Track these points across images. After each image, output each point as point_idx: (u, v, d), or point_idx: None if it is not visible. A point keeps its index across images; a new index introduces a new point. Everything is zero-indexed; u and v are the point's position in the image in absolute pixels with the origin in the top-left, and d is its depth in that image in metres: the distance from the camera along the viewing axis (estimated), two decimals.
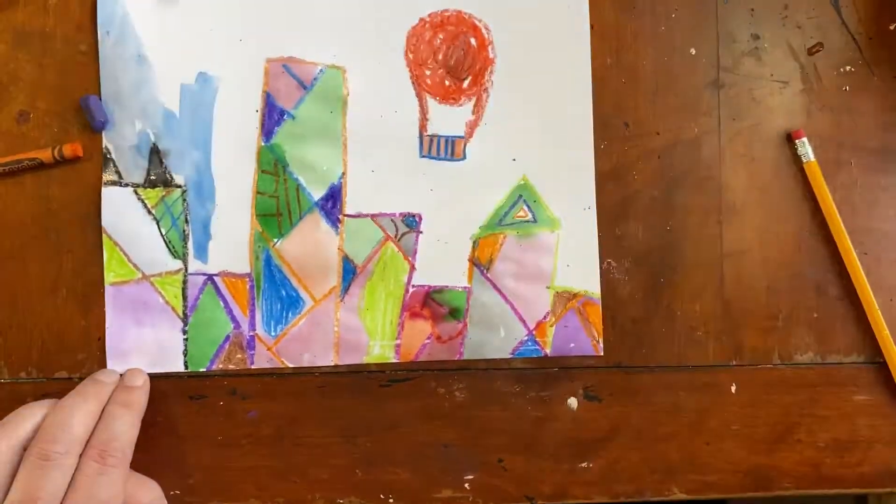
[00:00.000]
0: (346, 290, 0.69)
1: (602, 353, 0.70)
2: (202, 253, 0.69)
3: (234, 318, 0.69)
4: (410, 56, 0.69)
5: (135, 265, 0.68)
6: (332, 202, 0.69)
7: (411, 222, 0.69)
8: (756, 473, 0.71)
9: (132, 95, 0.69)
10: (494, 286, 0.69)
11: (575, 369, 0.70)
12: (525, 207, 0.69)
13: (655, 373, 0.70)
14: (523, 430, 0.70)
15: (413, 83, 0.69)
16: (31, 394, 0.68)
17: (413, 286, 0.69)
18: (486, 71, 0.69)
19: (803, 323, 0.71)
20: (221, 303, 0.69)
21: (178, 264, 0.69)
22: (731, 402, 0.71)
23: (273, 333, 0.69)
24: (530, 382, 0.70)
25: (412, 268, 0.69)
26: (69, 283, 0.68)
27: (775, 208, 0.71)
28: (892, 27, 0.72)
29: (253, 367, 0.69)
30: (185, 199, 0.69)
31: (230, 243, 0.69)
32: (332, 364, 0.69)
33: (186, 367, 0.69)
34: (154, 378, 0.68)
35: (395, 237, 0.69)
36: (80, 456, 0.61)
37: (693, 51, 0.71)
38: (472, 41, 0.69)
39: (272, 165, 0.69)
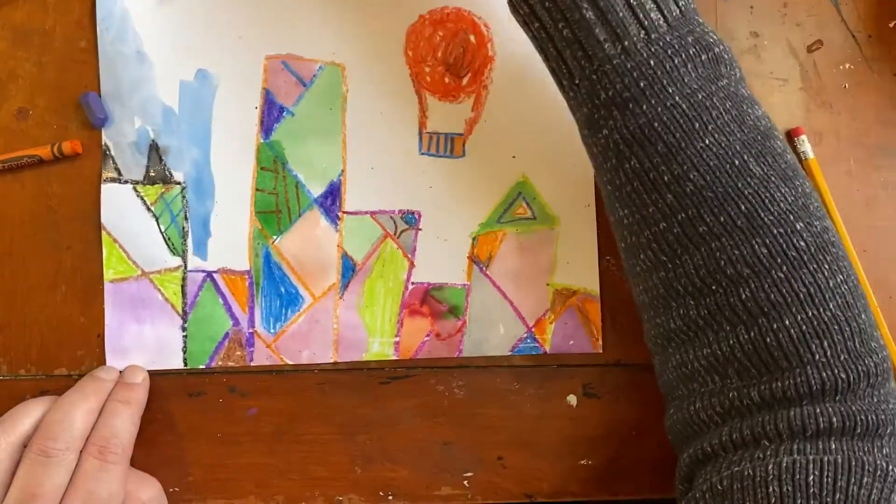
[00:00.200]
0: (345, 287, 0.69)
1: (601, 351, 0.70)
2: (201, 250, 0.69)
3: (233, 316, 0.69)
4: (410, 53, 0.69)
5: (134, 262, 0.68)
6: (332, 199, 0.69)
7: (410, 219, 0.69)
8: None
9: (132, 92, 0.69)
10: (494, 283, 0.69)
11: (574, 367, 0.70)
12: (524, 205, 0.69)
13: (654, 370, 0.70)
14: (523, 428, 0.70)
15: (412, 80, 0.69)
16: (30, 391, 0.68)
17: (412, 283, 0.69)
18: (485, 68, 0.69)
19: None
20: (221, 300, 0.69)
21: (178, 261, 0.69)
22: None
23: (272, 331, 0.69)
24: (530, 380, 0.70)
25: (411, 265, 0.69)
26: (69, 280, 0.69)
27: None
28: (891, 25, 0.72)
29: (252, 364, 0.69)
30: (184, 196, 0.69)
31: (229, 240, 0.69)
32: (332, 361, 0.69)
33: (186, 364, 0.69)
34: (153, 375, 0.69)
35: (395, 234, 0.69)
36: (81, 453, 0.61)
37: None
38: (472, 38, 0.69)
39: (271, 162, 0.69)
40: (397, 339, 0.69)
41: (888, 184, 0.71)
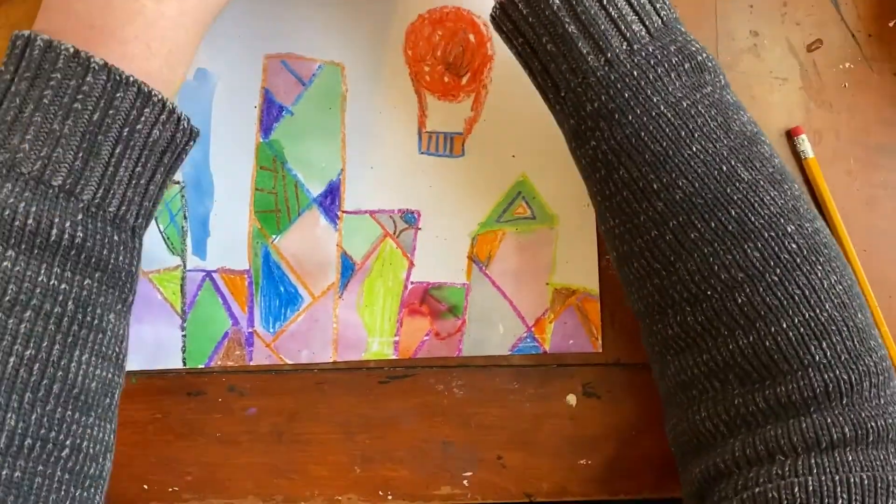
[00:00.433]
0: (344, 286, 0.69)
1: (601, 350, 0.70)
2: (201, 249, 0.69)
3: (232, 315, 0.69)
4: (409, 52, 0.69)
5: None
6: (331, 199, 0.69)
7: (410, 219, 0.69)
8: None
9: None
10: (493, 283, 0.69)
11: (574, 366, 0.70)
12: (524, 204, 0.69)
13: None
14: (522, 428, 0.70)
15: (412, 80, 0.69)
16: None
17: (412, 283, 0.69)
18: (485, 67, 0.69)
19: None
20: (220, 299, 0.69)
21: (177, 261, 0.69)
22: None
23: (272, 330, 0.69)
24: (529, 379, 0.70)
25: (411, 264, 0.69)
26: None
27: None
28: (891, 24, 0.72)
29: (251, 363, 0.69)
30: (183, 196, 0.69)
31: (229, 240, 0.69)
32: (331, 361, 0.69)
33: (185, 363, 0.69)
34: (152, 375, 0.68)
35: (394, 234, 0.69)
36: None
37: None
38: (471, 38, 0.69)
39: (271, 162, 0.69)
40: (397, 338, 0.69)
41: (888, 183, 0.71)
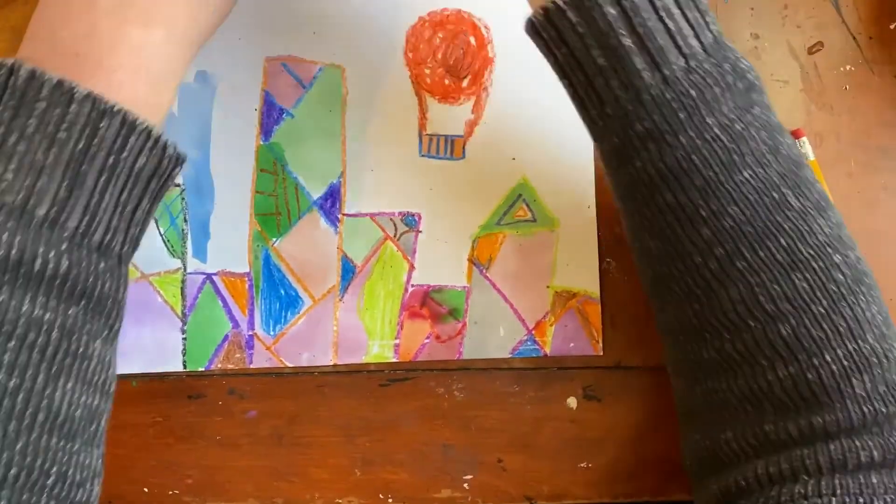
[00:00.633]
0: (345, 289, 0.69)
1: (602, 353, 0.70)
2: (201, 252, 0.69)
3: (232, 318, 0.69)
4: (410, 55, 0.69)
5: (133, 265, 0.68)
6: (332, 201, 0.69)
7: (410, 221, 0.69)
8: None
9: None
10: (494, 285, 0.69)
11: (574, 369, 0.70)
12: (525, 207, 0.69)
13: (655, 372, 0.70)
14: (523, 430, 0.70)
15: (412, 82, 0.69)
16: None
17: (412, 285, 0.69)
18: (485, 70, 0.69)
19: None
20: (220, 302, 0.69)
21: (177, 263, 0.69)
22: None
23: (272, 333, 0.69)
24: (530, 382, 0.70)
25: (411, 267, 0.69)
26: None
27: None
28: (892, 27, 0.72)
29: (252, 366, 0.69)
30: (183, 199, 0.69)
31: (229, 242, 0.69)
32: (332, 364, 0.69)
33: (185, 366, 0.69)
34: (153, 378, 0.68)
35: (395, 236, 0.69)
36: None
37: None
38: (472, 40, 0.69)
39: (271, 164, 0.69)
40: (397, 341, 0.69)
41: (889, 186, 0.71)
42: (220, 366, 0.69)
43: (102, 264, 0.51)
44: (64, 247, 0.48)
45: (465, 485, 0.70)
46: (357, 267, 0.69)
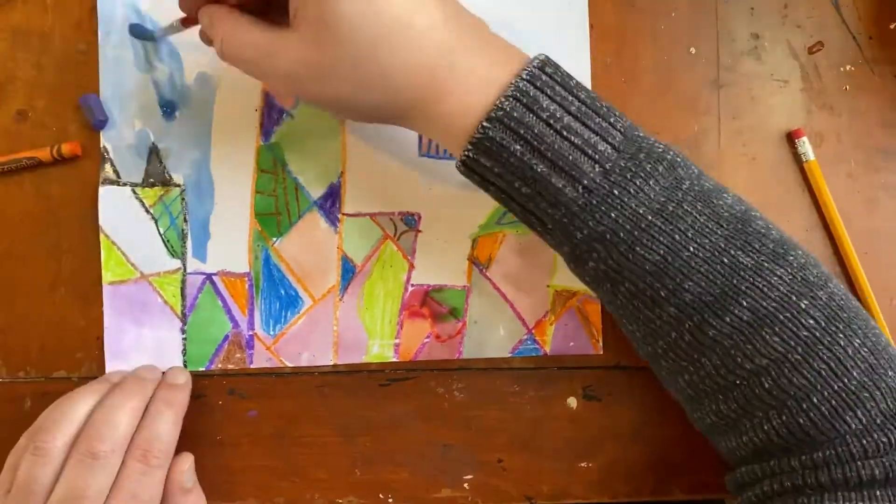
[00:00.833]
0: (345, 289, 0.69)
1: (601, 352, 0.70)
2: (201, 252, 0.69)
3: (232, 318, 0.69)
4: None
5: (133, 265, 0.68)
6: (332, 201, 0.69)
7: (410, 221, 0.69)
8: None
9: (132, 95, 0.69)
10: (494, 285, 0.69)
11: (574, 369, 0.70)
12: None
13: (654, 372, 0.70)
14: (523, 430, 0.70)
15: None
16: (29, 393, 0.68)
17: (412, 285, 0.69)
18: None
19: None
20: (220, 302, 0.69)
21: (177, 263, 0.69)
22: None
23: (272, 333, 0.69)
24: (529, 382, 0.70)
25: (411, 267, 0.69)
26: (68, 283, 0.68)
27: (775, 208, 0.70)
28: (892, 26, 0.71)
29: (252, 366, 0.69)
30: (183, 199, 0.69)
31: (229, 242, 0.69)
32: (332, 363, 0.69)
33: (185, 366, 0.69)
34: None
35: (395, 236, 0.69)
36: (125, 455, 0.61)
37: (693, 50, 0.71)
38: None
39: (271, 164, 0.69)
40: (397, 340, 0.69)
41: (889, 186, 0.71)
42: (220, 366, 0.69)
43: None
44: None
45: (465, 484, 0.70)
46: (357, 267, 0.69)
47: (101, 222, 0.68)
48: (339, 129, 0.69)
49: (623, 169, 0.53)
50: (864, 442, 0.51)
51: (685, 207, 0.53)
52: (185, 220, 0.69)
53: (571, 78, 0.55)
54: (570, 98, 0.54)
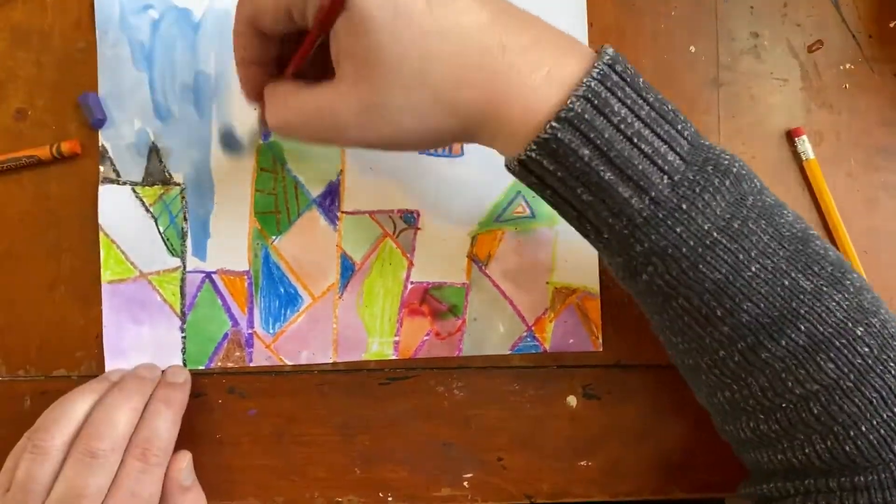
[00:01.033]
0: (344, 287, 0.69)
1: (601, 349, 0.70)
2: (200, 251, 0.69)
3: (232, 316, 0.69)
4: None
5: (132, 263, 0.68)
6: (331, 199, 0.69)
7: (410, 219, 0.69)
8: None
9: (131, 94, 0.69)
10: (493, 282, 0.69)
11: (574, 367, 0.70)
12: (523, 203, 0.69)
13: (655, 371, 0.70)
14: (522, 429, 0.70)
15: None
16: (29, 392, 0.68)
17: (412, 283, 0.69)
18: None
19: None
20: (220, 300, 0.69)
21: (177, 262, 0.69)
22: None
23: (271, 331, 0.69)
24: (529, 381, 0.70)
25: (411, 264, 0.69)
26: (67, 281, 0.68)
27: None
28: (891, 25, 0.72)
29: (251, 364, 0.69)
30: (183, 198, 0.69)
31: (228, 241, 0.69)
32: (331, 361, 0.69)
33: (185, 364, 0.69)
34: None
35: (394, 234, 0.69)
36: (124, 453, 0.61)
37: (693, 49, 0.71)
38: None
39: (271, 163, 0.69)
40: (397, 338, 0.69)
41: (888, 184, 0.71)
42: (219, 364, 0.69)
43: None
44: None
45: (465, 483, 0.70)
46: (356, 265, 0.69)
47: (100, 221, 0.68)
48: None
49: (691, 182, 0.51)
50: None
51: (750, 225, 0.51)
52: (185, 219, 0.69)
53: (639, 75, 0.51)
54: (640, 101, 0.50)
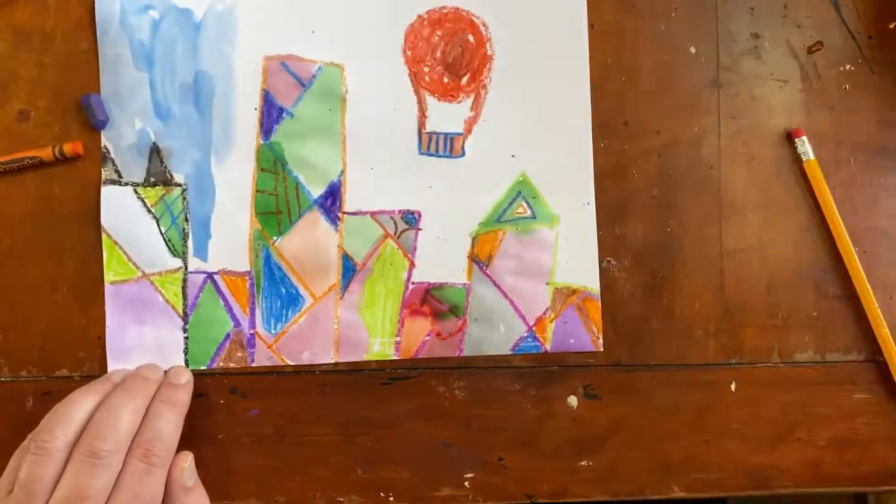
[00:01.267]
0: (345, 287, 0.69)
1: (602, 349, 0.70)
2: (202, 251, 0.69)
3: (234, 317, 0.69)
4: (409, 53, 0.69)
5: (134, 264, 0.69)
6: (332, 200, 0.69)
7: (410, 219, 0.69)
8: (756, 472, 0.71)
9: (131, 95, 0.69)
10: (494, 283, 0.69)
11: (575, 368, 0.70)
12: (524, 204, 0.69)
13: (655, 371, 0.70)
14: (523, 429, 0.70)
15: (411, 80, 0.69)
16: (31, 392, 0.68)
17: (413, 283, 0.69)
18: (484, 68, 0.70)
19: (803, 321, 0.71)
20: (221, 301, 0.69)
21: (178, 263, 0.69)
22: (731, 401, 0.71)
23: (273, 331, 0.69)
24: (530, 381, 0.70)
25: (412, 265, 0.69)
26: (70, 282, 0.69)
27: (775, 207, 0.71)
28: (891, 26, 0.72)
29: (253, 365, 0.69)
30: (184, 198, 0.69)
31: (230, 241, 0.69)
32: (333, 362, 0.69)
33: (187, 365, 0.69)
34: None
35: (395, 234, 0.69)
36: (126, 454, 0.61)
37: (693, 49, 0.71)
38: (471, 38, 0.69)
39: (271, 163, 0.69)
40: (398, 338, 0.69)
41: (888, 185, 0.71)
42: (221, 364, 0.69)
43: None
44: None
45: (466, 483, 0.70)
46: (357, 265, 0.69)
47: (102, 222, 0.68)
48: (340, 128, 0.69)
49: None
50: None
51: None
52: (187, 220, 0.69)
53: None
54: None
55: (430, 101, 0.69)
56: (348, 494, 0.70)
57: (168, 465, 0.63)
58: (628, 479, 0.70)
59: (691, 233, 0.70)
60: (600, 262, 0.70)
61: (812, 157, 0.70)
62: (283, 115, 0.69)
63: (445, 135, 0.69)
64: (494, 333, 0.69)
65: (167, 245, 0.69)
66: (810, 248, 0.71)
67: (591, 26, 0.70)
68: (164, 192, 0.69)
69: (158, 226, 0.69)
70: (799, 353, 0.71)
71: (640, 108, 0.70)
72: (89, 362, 0.69)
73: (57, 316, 0.69)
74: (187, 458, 0.65)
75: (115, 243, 0.68)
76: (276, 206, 0.69)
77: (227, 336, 0.69)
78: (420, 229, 0.69)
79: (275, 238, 0.69)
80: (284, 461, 0.70)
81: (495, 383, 0.70)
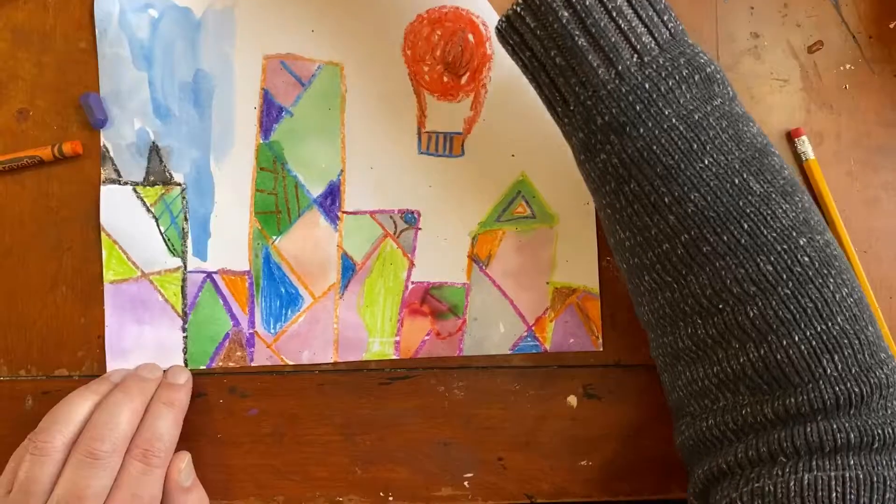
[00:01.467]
0: (345, 287, 0.69)
1: (601, 348, 0.70)
2: (201, 251, 0.69)
3: (233, 316, 0.69)
4: (408, 52, 0.69)
5: (134, 263, 0.69)
6: (331, 199, 0.69)
7: (410, 219, 0.69)
8: None
9: (131, 94, 0.69)
10: (493, 282, 0.69)
11: (574, 367, 0.70)
12: (524, 203, 0.69)
13: (654, 371, 0.70)
14: (523, 428, 0.70)
15: (411, 80, 0.69)
16: (30, 391, 0.68)
17: (412, 283, 0.69)
18: (483, 67, 0.69)
19: None
20: (221, 300, 0.69)
21: (178, 262, 0.69)
22: None
23: (272, 331, 0.69)
24: (530, 380, 0.70)
25: (411, 264, 0.69)
26: (69, 281, 0.69)
27: None
28: (891, 25, 0.72)
29: (253, 364, 0.69)
30: (184, 197, 0.69)
31: (229, 241, 0.69)
32: (332, 361, 0.69)
33: (186, 364, 0.69)
34: None
35: (394, 234, 0.69)
36: (125, 454, 0.61)
37: None
38: (470, 37, 0.69)
39: (271, 163, 0.69)
40: (397, 338, 0.69)
41: (888, 185, 0.71)
42: (220, 364, 0.69)
43: None
44: None
45: (466, 483, 0.70)
46: (357, 264, 0.69)
47: (102, 221, 0.68)
48: (339, 127, 0.69)
49: (660, 66, 0.53)
50: (837, 389, 0.51)
51: (710, 121, 0.54)
52: (186, 219, 0.69)
53: None
54: None
55: (430, 101, 0.69)
56: (347, 494, 0.70)
57: (167, 465, 0.63)
58: (628, 479, 0.70)
59: None
60: (600, 261, 0.70)
61: (812, 156, 0.70)
62: (283, 114, 0.69)
63: (445, 134, 0.69)
64: (494, 333, 0.69)
65: (166, 244, 0.69)
66: None
67: None
68: (163, 191, 0.69)
69: (158, 225, 0.69)
70: None
71: None
72: (89, 361, 0.69)
73: (56, 315, 0.69)
74: (184, 458, 0.65)
75: (115, 243, 0.68)
76: (276, 206, 0.69)
77: (227, 335, 0.69)
78: (420, 229, 0.69)
79: (274, 237, 0.69)
80: (284, 460, 0.70)
81: (495, 383, 0.70)
